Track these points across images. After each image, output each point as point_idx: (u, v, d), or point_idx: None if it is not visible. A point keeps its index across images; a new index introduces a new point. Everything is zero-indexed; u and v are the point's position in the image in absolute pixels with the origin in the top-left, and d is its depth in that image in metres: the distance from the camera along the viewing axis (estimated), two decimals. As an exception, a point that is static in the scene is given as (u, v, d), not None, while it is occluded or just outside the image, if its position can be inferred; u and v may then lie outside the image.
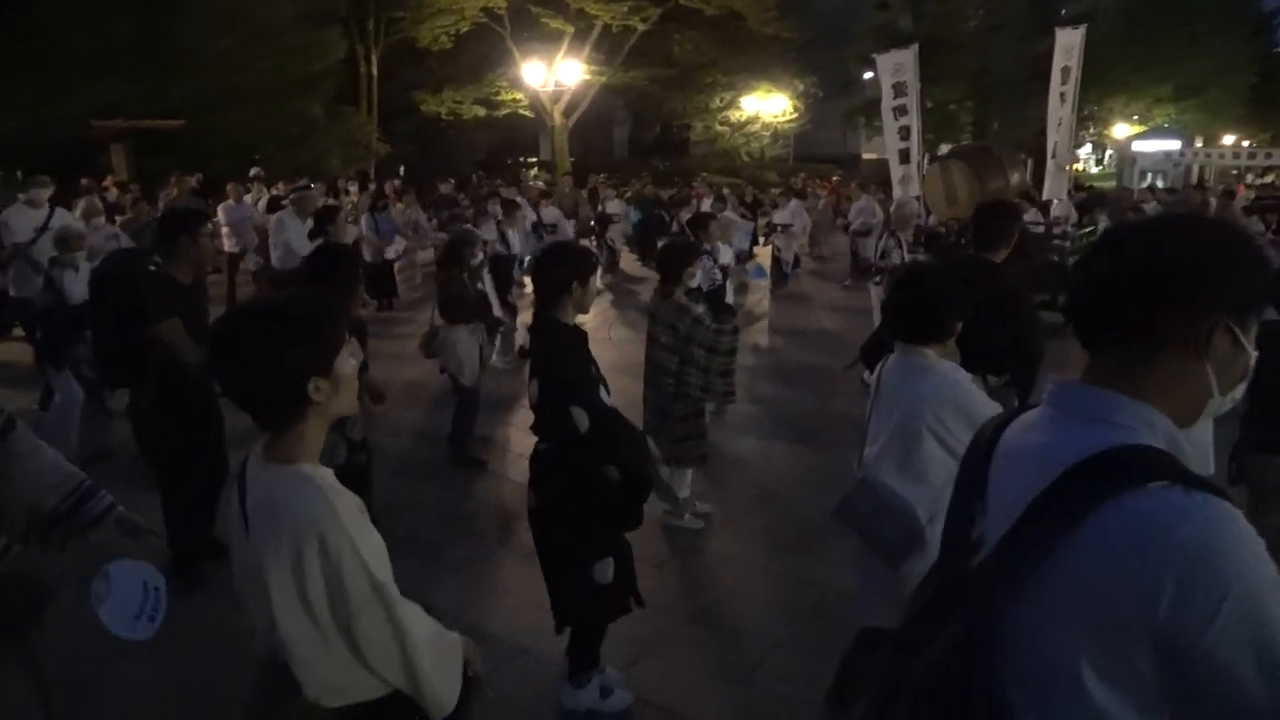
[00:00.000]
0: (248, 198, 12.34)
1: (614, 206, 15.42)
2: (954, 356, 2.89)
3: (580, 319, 3.25)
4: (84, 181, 13.47)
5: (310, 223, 7.77)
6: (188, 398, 4.29)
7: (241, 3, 19.69)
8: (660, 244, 5.63)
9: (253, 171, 14.99)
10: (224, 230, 11.21)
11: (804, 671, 3.69)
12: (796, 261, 14.35)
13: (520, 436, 6.65)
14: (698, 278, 5.08)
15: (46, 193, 8.04)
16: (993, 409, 2.64)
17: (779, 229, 13.71)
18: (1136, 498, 1.07)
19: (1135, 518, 1.06)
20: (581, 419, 2.97)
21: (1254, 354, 1.19)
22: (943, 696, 1.13)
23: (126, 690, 3.56)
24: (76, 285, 6.01)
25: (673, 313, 4.69)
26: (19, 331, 8.33)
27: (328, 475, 1.77)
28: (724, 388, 4.84)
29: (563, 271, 3.12)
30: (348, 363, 1.80)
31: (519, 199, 11.59)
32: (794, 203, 14.90)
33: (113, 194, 12.87)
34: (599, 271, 3.27)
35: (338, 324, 1.81)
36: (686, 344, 4.66)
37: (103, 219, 9.49)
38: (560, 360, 3.10)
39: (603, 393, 3.11)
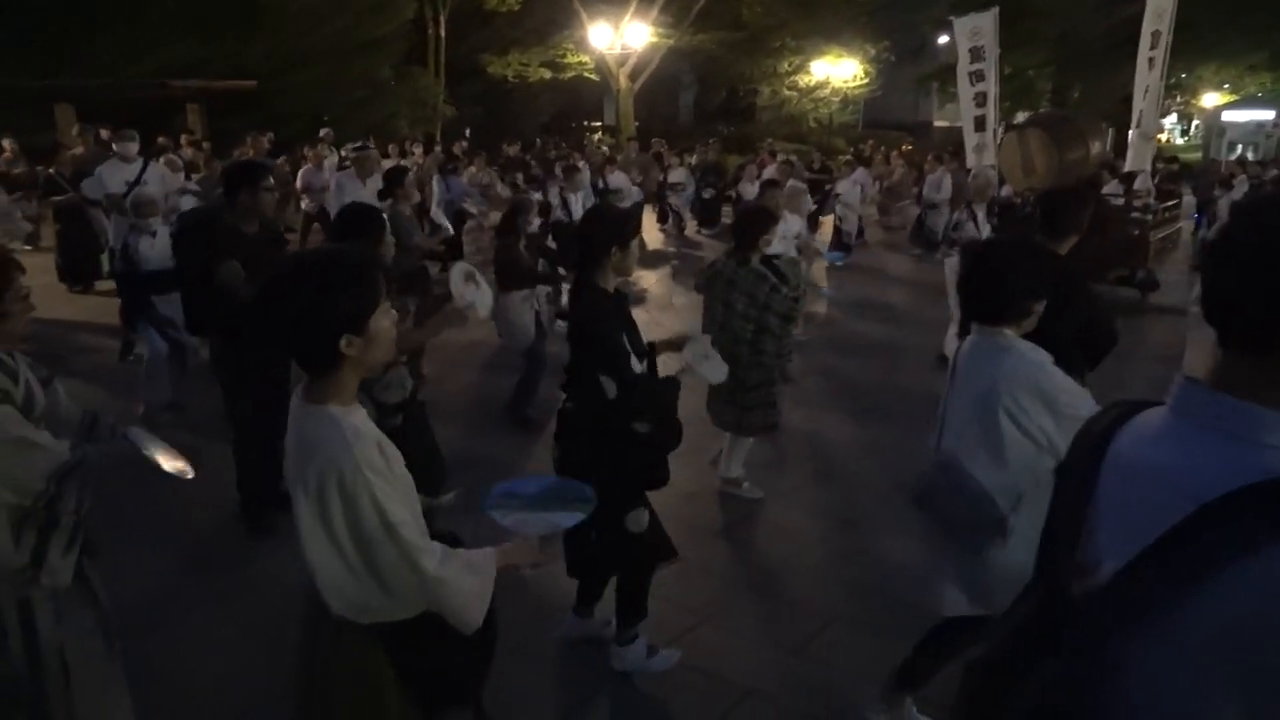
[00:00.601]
0: (327, 161, 12.53)
1: (677, 174, 15.22)
2: None
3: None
4: (160, 139, 13.82)
5: (367, 185, 7.88)
6: (253, 344, 4.42)
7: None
8: (737, 210, 5.55)
9: (322, 132, 15.21)
10: (300, 192, 11.47)
11: (859, 645, 3.68)
12: (860, 232, 14.06)
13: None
14: (775, 244, 4.98)
15: (135, 146, 8.29)
16: (1076, 393, 2.56)
17: (839, 199, 13.41)
18: None
19: None
20: (610, 387, 3.01)
21: None
22: None
23: (190, 631, 3.69)
24: (154, 250, 6.14)
25: (751, 280, 4.62)
26: (107, 285, 8.64)
27: (354, 417, 1.87)
28: (784, 365, 4.83)
29: (602, 235, 3.09)
30: (383, 320, 1.87)
31: (580, 163, 11.52)
32: (858, 171, 14.56)
33: (187, 153, 13.17)
34: (640, 236, 3.23)
35: (373, 283, 1.86)
36: (764, 312, 4.60)
37: (181, 175, 9.74)
38: (593, 328, 3.10)
39: (634, 362, 3.09)
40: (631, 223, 3.24)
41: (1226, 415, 1.03)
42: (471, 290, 3.56)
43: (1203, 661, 0.96)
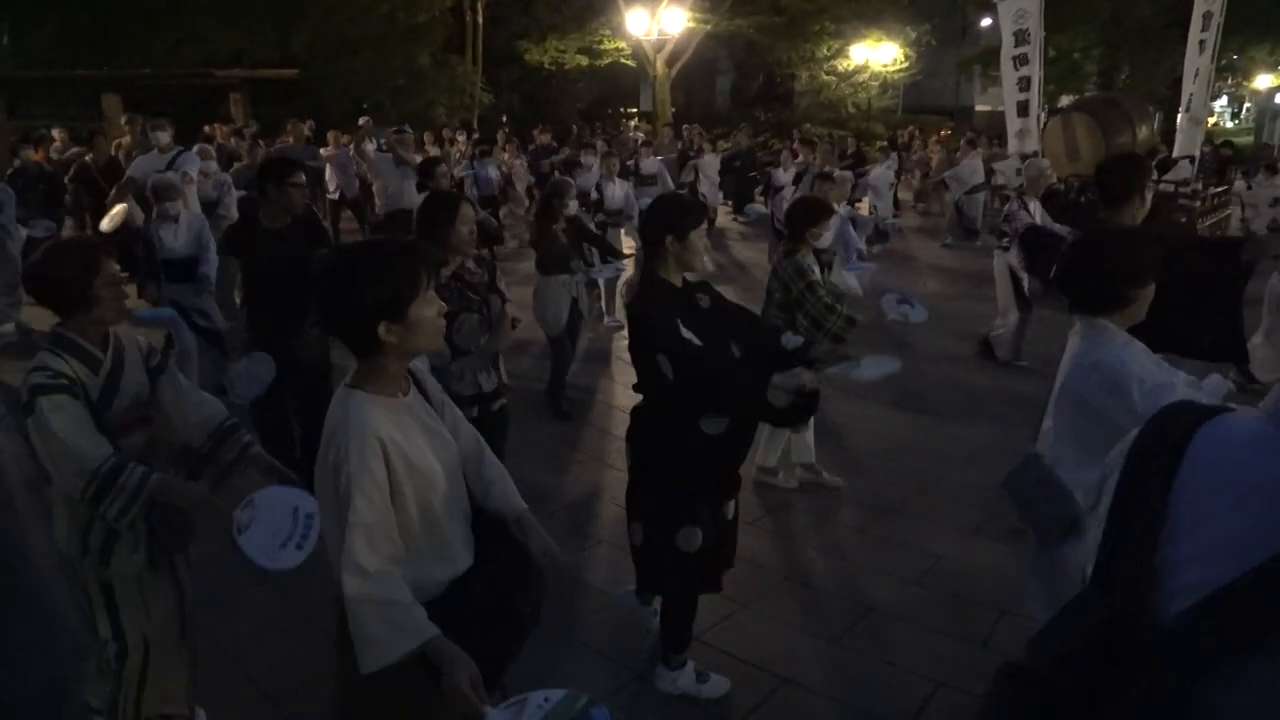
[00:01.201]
0: (369, 145, 12.59)
1: (705, 160, 15.04)
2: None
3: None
4: (206, 128, 14.03)
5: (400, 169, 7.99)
6: (283, 349, 4.52)
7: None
8: (796, 199, 5.44)
9: (362, 120, 15.34)
10: (328, 176, 11.57)
11: (898, 636, 3.67)
12: (895, 223, 13.89)
13: (616, 390, 6.73)
14: (828, 239, 4.83)
15: (167, 135, 8.32)
16: (1167, 389, 2.36)
17: (871, 187, 13.23)
18: None
19: None
20: (666, 368, 2.86)
21: None
22: None
23: (252, 611, 3.78)
24: (176, 238, 6.05)
25: (791, 273, 4.56)
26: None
27: (375, 405, 1.91)
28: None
29: (658, 226, 3.01)
30: (426, 306, 1.92)
31: (612, 152, 11.34)
32: (892, 157, 14.34)
33: (230, 142, 13.34)
34: (704, 227, 3.08)
35: (413, 271, 1.91)
36: (794, 308, 4.54)
37: (214, 164, 9.75)
38: (645, 313, 2.99)
39: (686, 333, 2.90)
40: (690, 213, 3.07)
41: None
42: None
43: None
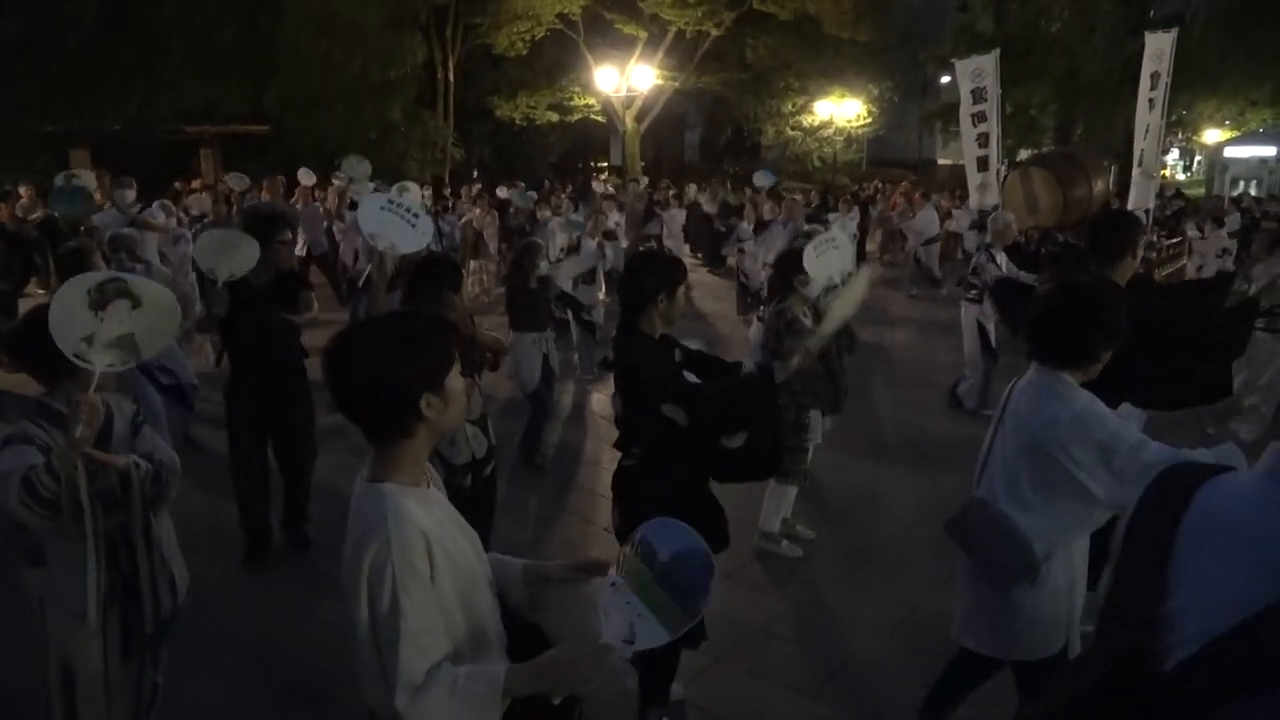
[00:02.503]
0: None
1: (671, 214, 15.25)
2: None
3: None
4: (177, 185, 14.02)
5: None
6: (256, 393, 4.65)
7: (333, 7, 20.38)
8: (782, 253, 5.51)
9: (337, 180, 15.40)
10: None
11: (876, 688, 3.68)
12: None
13: (593, 445, 6.74)
14: (816, 288, 4.87)
15: (132, 194, 8.39)
16: (1136, 446, 2.38)
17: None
18: None
19: None
20: (678, 415, 2.84)
21: None
22: None
23: (222, 675, 3.71)
24: None
25: (781, 324, 4.62)
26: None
27: (407, 497, 1.75)
28: (797, 420, 4.70)
29: (649, 281, 3.01)
30: (458, 379, 1.82)
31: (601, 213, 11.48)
32: (854, 211, 14.68)
33: (203, 198, 13.31)
34: (686, 283, 3.13)
35: (451, 340, 1.82)
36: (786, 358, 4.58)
37: (174, 221, 9.73)
38: (641, 368, 2.99)
39: (689, 375, 2.97)
40: (678, 270, 3.12)
41: None
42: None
43: None
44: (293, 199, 12.81)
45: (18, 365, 2.54)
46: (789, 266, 4.73)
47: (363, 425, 1.78)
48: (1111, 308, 2.54)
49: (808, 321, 4.63)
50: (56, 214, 6.40)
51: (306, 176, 12.85)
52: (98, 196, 10.49)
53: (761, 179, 13.56)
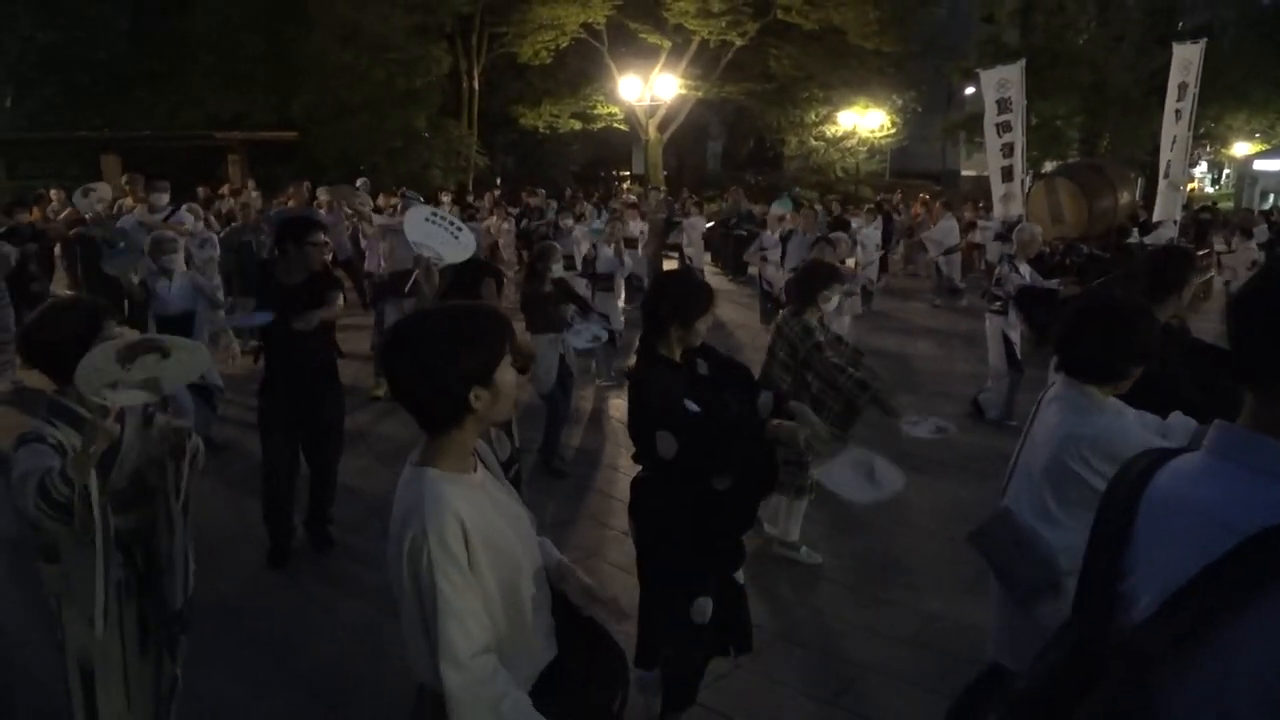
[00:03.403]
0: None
1: (691, 222, 15.28)
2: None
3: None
4: (201, 190, 14.22)
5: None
6: (287, 392, 4.72)
7: (360, 17, 20.63)
8: (807, 263, 5.49)
9: (359, 182, 15.58)
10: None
11: (893, 696, 3.66)
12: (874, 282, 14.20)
13: (612, 451, 6.75)
14: (835, 302, 4.83)
15: (165, 196, 8.59)
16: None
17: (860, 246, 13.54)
18: None
19: None
20: (667, 444, 2.84)
21: None
22: None
23: (241, 673, 3.75)
24: (171, 292, 6.18)
25: (798, 332, 4.57)
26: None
27: (449, 484, 1.80)
28: (829, 434, 4.61)
29: (663, 309, 3.00)
30: (508, 372, 1.86)
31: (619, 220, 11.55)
32: (878, 220, 14.66)
33: (230, 202, 13.52)
34: (712, 309, 3.08)
35: (504, 336, 1.87)
36: (803, 368, 4.54)
37: (201, 224, 9.91)
38: (644, 388, 3.00)
39: (689, 404, 2.91)
40: (701, 300, 3.04)
41: (1267, 455, 1.08)
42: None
43: (1239, 688, 0.99)
44: (315, 203, 12.97)
45: (33, 363, 2.54)
46: (812, 279, 4.71)
47: (414, 414, 1.84)
48: (1145, 327, 2.52)
49: (821, 336, 4.59)
50: (106, 269, 6.62)
51: (325, 194, 12.99)
52: (129, 201, 10.74)
53: (779, 207, 13.42)
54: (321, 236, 4.75)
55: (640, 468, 3.15)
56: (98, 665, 2.55)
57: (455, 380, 1.77)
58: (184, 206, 9.96)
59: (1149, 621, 1.07)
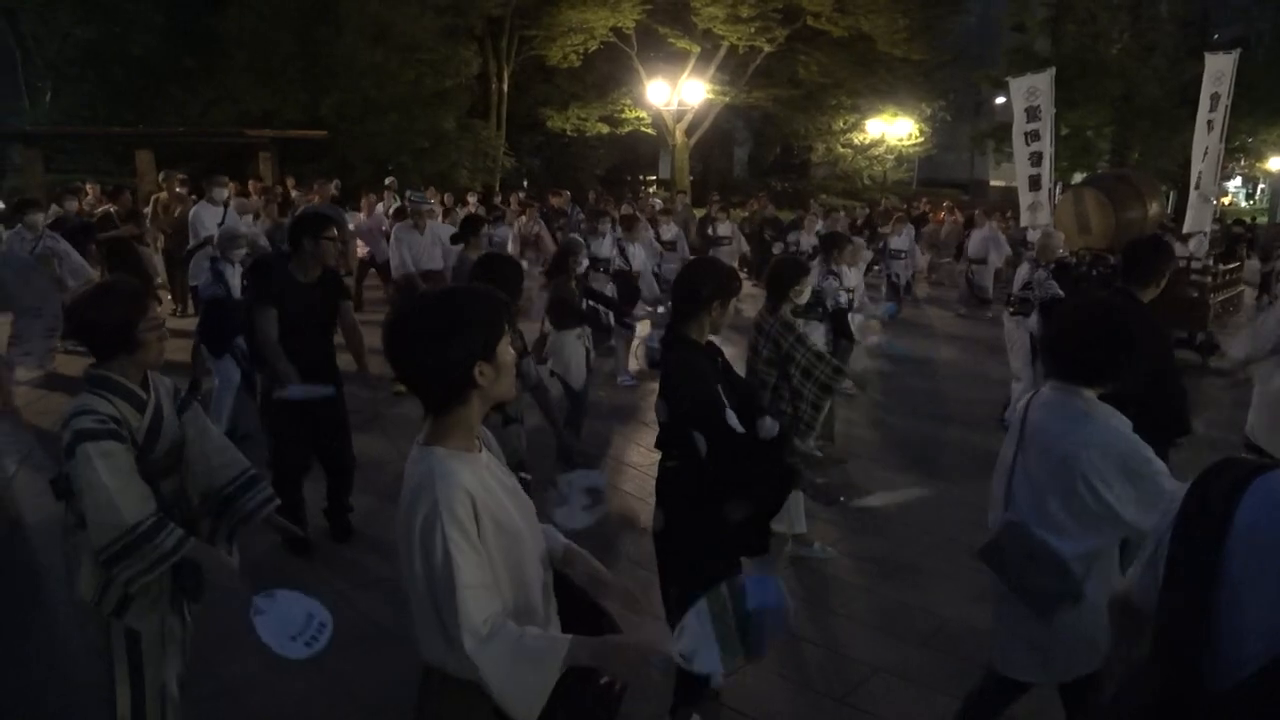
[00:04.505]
0: (379, 206, 12.93)
1: (723, 228, 15.33)
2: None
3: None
4: (232, 185, 14.41)
5: (425, 235, 8.32)
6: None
7: (391, 18, 20.84)
8: (776, 260, 5.61)
9: (387, 181, 15.74)
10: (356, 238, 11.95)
11: (904, 696, 3.65)
12: (909, 286, 14.16)
13: (634, 451, 6.77)
14: (806, 295, 5.04)
15: (225, 192, 8.89)
16: (1157, 461, 2.44)
17: (897, 254, 13.52)
18: None
19: None
20: (701, 444, 2.92)
21: None
22: None
23: (259, 651, 3.79)
24: (236, 280, 6.44)
25: (778, 328, 4.66)
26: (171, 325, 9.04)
27: (457, 461, 1.82)
28: (809, 418, 4.69)
29: (707, 288, 3.07)
30: (508, 349, 1.90)
31: (637, 214, 11.71)
32: (909, 227, 14.61)
33: (258, 200, 13.70)
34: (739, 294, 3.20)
35: (503, 312, 1.90)
36: (786, 362, 4.61)
37: (252, 218, 10.22)
38: (688, 382, 3.02)
39: (731, 416, 3.00)
40: (735, 280, 3.21)
41: None
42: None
43: None
44: (358, 209, 13.15)
45: (79, 338, 2.62)
46: (784, 275, 4.80)
47: (420, 393, 1.87)
48: (1137, 325, 2.55)
49: (800, 326, 4.80)
50: None
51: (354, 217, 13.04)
52: (163, 195, 11.02)
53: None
54: (335, 231, 4.78)
55: (663, 459, 3.17)
56: (144, 630, 2.62)
57: (460, 355, 1.80)
58: (231, 203, 10.16)
59: (1261, 675, 0.95)
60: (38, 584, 4.49)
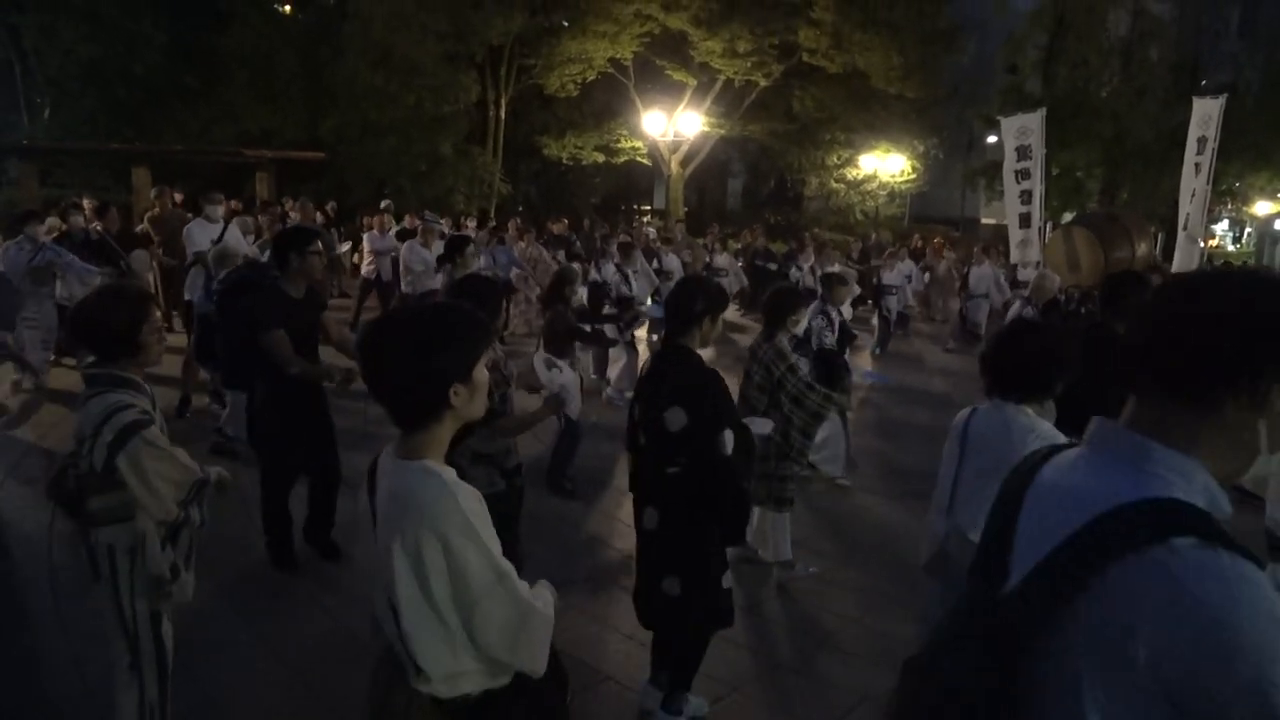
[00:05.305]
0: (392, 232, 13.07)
1: (721, 260, 15.47)
2: (1049, 415, 2.85)
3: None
4: (232, 204, 14.42)
5: (431, 250, 8.30)
6: (295, 403, 4.72)
7: (393, 42, 21.02)
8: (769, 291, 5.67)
9: (383, 204, 15.79)
10: (368, 256, 12.14)
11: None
12: (902, 321, 14.23)
13: (621, 470, 6.76)
14: (803, 325, 5.13)
15: (221, 209, 8.87)
16: None
17: (889, 289, 13.65)
18: (1160, 552, 1.05)
19: (1156, 572, 1.05)
20: (729, 441, 3.11)
21: None
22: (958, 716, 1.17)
23: (240, 660, 3.77)
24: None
25: (771, 355, 4.74)
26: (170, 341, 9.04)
27: (450, 471, 1.84)
28: (800, 445, 4.80)
29: (700, 304, 3.27)
30: (484, 371, 1.90)
31: (634, 242, 11.88)
32: (906, 263, 14.73)
33: (261, 219, 13.74)
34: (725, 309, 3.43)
35: (482, 333, 1.91)
36: (776, 389, 4.69)
37: (252, 237, 10.22)
38: (708, 390, 3.17)
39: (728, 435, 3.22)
40: (723, 296, 3.47)
41: (1131, 449, 1.19)
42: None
43: (1081, 663, 1.10)
44: (369, 226, 13.25)
45: (82, 339, 2.76)
46: (781, 304, 4.88)
47: (392, 407, 1.85)
48: (1064, 343, 2.79)
49: (793, 356, 4.91)
50: None
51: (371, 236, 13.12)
52: (155, 210, 11.02)
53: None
54: (319, 245, 4.80)
55: (662, 466, 3.25)
56: (165, 606, 2.78)
57: (437, 375, 1.80)
58: (234, 221, 10.17)
59: (1013, 593, 1.19)
60: (21, 598, 4.45)
